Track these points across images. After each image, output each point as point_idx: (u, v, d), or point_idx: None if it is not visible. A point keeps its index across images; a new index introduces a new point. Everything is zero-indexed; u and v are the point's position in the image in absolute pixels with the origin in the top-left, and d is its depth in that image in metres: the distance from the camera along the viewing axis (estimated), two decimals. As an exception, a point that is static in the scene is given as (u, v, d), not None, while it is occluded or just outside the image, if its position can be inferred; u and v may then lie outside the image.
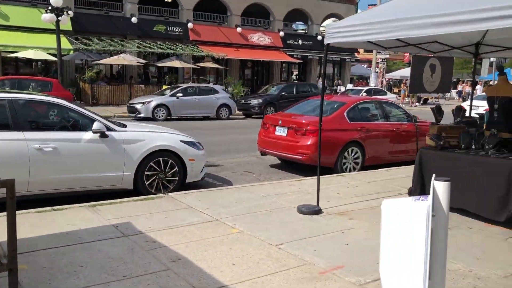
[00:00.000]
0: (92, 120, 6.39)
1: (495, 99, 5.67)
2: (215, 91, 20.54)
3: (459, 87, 41.91)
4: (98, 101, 23.20)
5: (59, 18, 18.26)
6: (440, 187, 2.55)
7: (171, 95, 19.40)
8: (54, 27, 18.85)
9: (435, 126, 6.04)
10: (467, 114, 8.24)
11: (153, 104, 18.76)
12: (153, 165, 6.76)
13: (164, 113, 18.92)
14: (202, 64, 27.91)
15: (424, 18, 4.52)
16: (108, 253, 4.32)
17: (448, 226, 5.45)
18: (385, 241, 2.62)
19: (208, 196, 6.49)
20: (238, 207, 5.96)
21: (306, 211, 5.74)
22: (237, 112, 21.89)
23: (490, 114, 5.85)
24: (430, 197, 2.44)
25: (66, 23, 19.43)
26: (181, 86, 20.59)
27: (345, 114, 9.17)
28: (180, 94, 19.34)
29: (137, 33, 27.26)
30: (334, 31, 5.65)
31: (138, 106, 18.86)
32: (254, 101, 21.91)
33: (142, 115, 18.62)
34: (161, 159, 6.84)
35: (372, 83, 32.29)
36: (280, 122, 9.25)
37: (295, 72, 37.98)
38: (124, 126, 6.98)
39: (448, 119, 7.30)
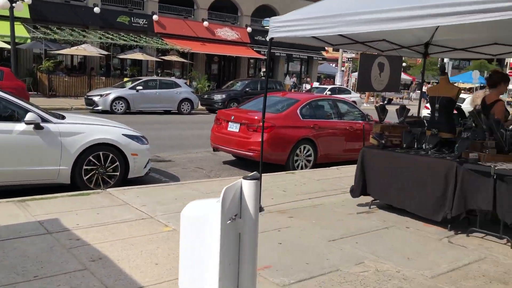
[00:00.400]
0: (26, 111, 6.06)
1: (436, 99, 5.68)
2: (177, 85, 20.19)
3: (424, 88, 42.75)
4: (56, 92, 22.44)
5: (13, 4, 17.51)
6: (247, 187, 2.27)
7: (131, 88, 18.94)
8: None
9: (378, 125, 6.01)
10: (417, 113, 8.33)
11: (111, 96, 18.26)
12: (92, 159, 6.48)
13: (123, 106, 18.45)
14: (167, 58, 27.44)
15: (368, 14, 4.41)
16: (24, 251, 4.06)
17: (386, 225, 5.47)
18: (184, 245, 2.29)
19: (148, 193, 6.27)
20: (177, 204, 5.77)
21: (246, 209, 5.59)
22: (200, 107, 21.61)
23: (431, 114, 5.85)
24: (226, 197, 2.15)
25: (21, 10, 18.66)
26: (141, 79, 20.14)
27: (298, 111, 9.09)
28: (140, 87, 18.91)
29: (99, 24, 26.53)
30: (278, 25, 5.51)
31: (96, 99, 18.32)
32: (218, 97, 21.67)
33: (100, 107, 18.10)
34: (101, 153, 6.57)
35: (338, 82, 32.53)
36: (232, 117, 9.09)
37: (263, 69, 37.90)
38: (63, 117, 6.66)
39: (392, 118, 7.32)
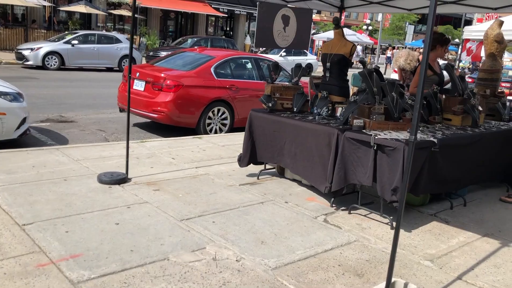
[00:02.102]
0: None
1: (328, 57, 4.94)
2: (118, 41, 18.89)
3: (388, 53, 42.12)
4: (-12, 44, 20.79)
5: None
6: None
7: (66, 42, 17.57)
8: None
9: (269, 86, 5.26)
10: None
11: (43, 51, 16.91)
12: None
13: (56, 62, 17.15)
14: (115, 12, 25.77)
15: None
16: None
17: (263, 200, 4.80)
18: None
19: (5, 159, 5.41)
20: (29, 173, 4.96)
21: (106, 180, 4.83)
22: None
23: (323, 74, 5.13)
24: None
25: None
26: (78, 33, 18.71)
27: (212, 69, 8.24)
28: (76, 42, 17.57)
29: (41, -28, 24.49)
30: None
31: (26, 53, 16.93)
32: (163, 54, 20.45)
33: (30, 62, 16.78)
34: (-47, 111, 5.64)
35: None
36: (138, 74, 8.17)
37: (225, 28, 36.40)
38: None
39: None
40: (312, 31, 39.08)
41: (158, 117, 7.82)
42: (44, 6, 23.68)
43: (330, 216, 4.44)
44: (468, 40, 10.45)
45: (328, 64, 4.95)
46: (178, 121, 7.91)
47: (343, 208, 4.64)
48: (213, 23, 35.17)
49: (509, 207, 5.14)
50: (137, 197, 4.52)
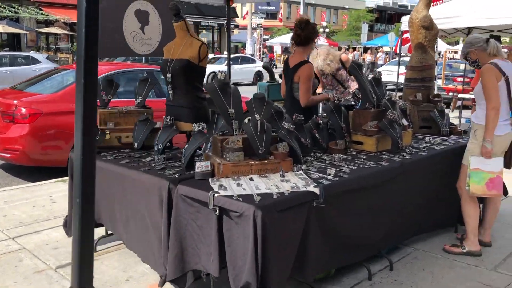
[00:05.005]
0: None
1: (168, 64, 3.26)
2: (36, 61, 16.82)
3: (350, 55, 41.15)
4: None
5: None
6: None
7: (-29, 67, 15.44)
8: None
9: (99, 112, 3.54)
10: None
11: None
12: None
13: (-40, 90, 14.96)
14: (43, 30, 23.66)
15: None
16: None
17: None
18: None
19: None
20: None
21: None
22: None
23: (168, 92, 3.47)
24: None
25: None
26: (-12, 56, 16.59)
27: (85, 89, 6.45)
28: (-18, 66, 15.45)
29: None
30: None
31: None
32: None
33: None
34: None
35: (249, 51, 30.08)
36: (-13, 103, 6.31)
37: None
38: None
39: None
40: (265, 37, 37.82)
41: (12, 157, 5.98)
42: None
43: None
44: (406, 31, 9.08)
45: (168, 75, 3.28)
46: (41, 160, 6.08)
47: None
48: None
49: (455, 265, 3.54)
50: None
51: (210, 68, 21.75)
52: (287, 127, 2.94)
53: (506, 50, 9.31)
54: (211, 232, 2.50)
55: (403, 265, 3.47)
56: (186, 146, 2.93)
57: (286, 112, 3.53)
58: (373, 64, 33.56)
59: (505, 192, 4.19)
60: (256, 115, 2.82)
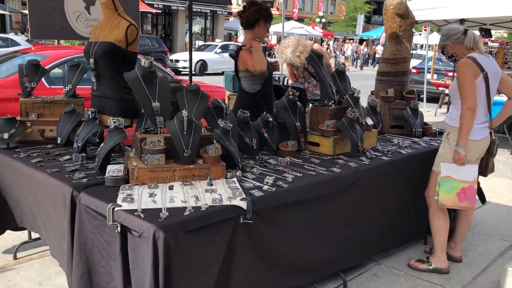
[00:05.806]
0: None
1: (91, 48, 2.81)
2: (15, 43, 16.19)
3: (345, 46, 40.41)
4: None
5: None
6: None
7: None
8: None
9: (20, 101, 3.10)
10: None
11: None
12: None
13: None
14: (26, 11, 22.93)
15: None
16: None
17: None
18: None
19: None
20: None
21: None
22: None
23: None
24: None
25: None
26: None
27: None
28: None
29: None
30: None
31: None
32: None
33: None
34: None
35: (242, 39, 29.44)
36: None
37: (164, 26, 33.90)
38: None
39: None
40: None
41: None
42: None
43: None
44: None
45: (91, 60, 2.83)
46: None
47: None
48: (149, 21, 32.61)
49: (418, 284, 3.14)
50: None
51: (198, 55, 21.48)
52: (222, 126, 2.51)
53: (496, 44, 8.88)
54: (115, 249, 2.08)
55: (359, 284, 3.07)
56: (102, 145, 2.49)
57: (237, 108, 3.12)
58: (370, 56, 33.17)
59: (483, 200, 3.79)
60: (183, 111, 2.39)
